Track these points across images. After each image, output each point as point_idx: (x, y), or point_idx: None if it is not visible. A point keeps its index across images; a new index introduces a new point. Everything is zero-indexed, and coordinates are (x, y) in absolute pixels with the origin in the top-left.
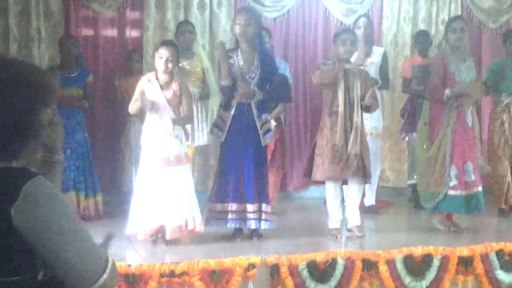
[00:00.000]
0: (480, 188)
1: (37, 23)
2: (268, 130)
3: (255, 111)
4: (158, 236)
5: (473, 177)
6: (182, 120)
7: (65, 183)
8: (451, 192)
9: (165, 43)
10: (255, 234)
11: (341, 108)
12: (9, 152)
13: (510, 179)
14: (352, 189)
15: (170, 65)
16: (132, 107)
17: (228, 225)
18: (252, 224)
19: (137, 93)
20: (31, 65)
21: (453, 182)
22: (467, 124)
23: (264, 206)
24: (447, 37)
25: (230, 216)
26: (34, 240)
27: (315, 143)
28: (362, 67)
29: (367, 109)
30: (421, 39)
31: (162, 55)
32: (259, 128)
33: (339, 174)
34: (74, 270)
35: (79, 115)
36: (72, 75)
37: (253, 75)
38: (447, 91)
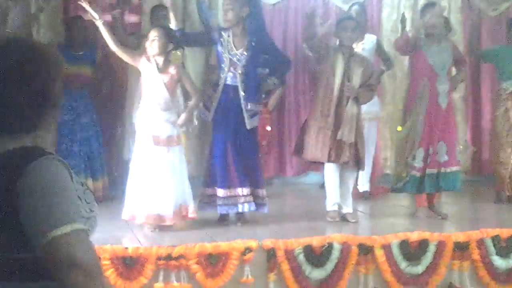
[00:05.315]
0: (456, 168)
1: (36, 7)
2: (255, 113)
3: (242, 94)
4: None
5: (446, 157)
6: (191, 110)
7: (74, 167)
8: (415, 174)
9: (154, 26)
10: (240, 219)
11: (335, 92)
12: (34, 124)
13: None
14: (345, 177)
15: (155, 44)
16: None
17: (219, 211)
18: (243, 208)
19: (132, 58)
20: (37, 41)
21: (418, 164)
22: (439, 106)
23: (259, 191)
24: (423, 22)
25: (218, 201)
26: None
27: (305, 122)
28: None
29: (358, 100)
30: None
31: (149, 37)
32: (244, 111)
33: (326, 157)
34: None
35: (87, 97)
36: (80, 53)
37: (242, 58)
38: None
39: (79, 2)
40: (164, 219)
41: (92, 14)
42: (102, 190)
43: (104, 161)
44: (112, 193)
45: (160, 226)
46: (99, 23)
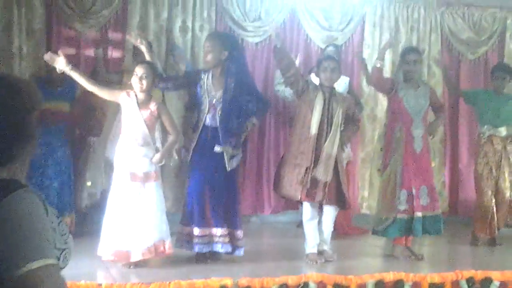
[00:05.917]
0: (438, 211)
1: (19, 40)
2: (234, 155)
3: (221, 135)
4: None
5: (429, 200)
6: (168, 149)
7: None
8: (400, 216)
9: (141, 62)
10: (214, 257)
11: (313, 131)
12: (10, 157)
13: (494, 209)
14: (326, 214)
15: (144, 82)
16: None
17: (195, 249)
18: (218, 247)
19: (110, 95)
20: (14, 75)
21: (403, 207)
22: (414, 150)
23: (235, 232)
24: (401, 67)
25: (195, 240)
26: None
27: (282, 157)
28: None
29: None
30: None
31: (137, 73)
32: (224, 153)
33: (299, 195)
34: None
35: (62, 132)
36: (59, 89)
37: (220, 100)
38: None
39: (45, 58)
40: (132, 256)
41: (60, 67)
42: (69, 226)
43: (73, 197)
44: (84, 229)
45: (135, 263)
46: (68, 72)
